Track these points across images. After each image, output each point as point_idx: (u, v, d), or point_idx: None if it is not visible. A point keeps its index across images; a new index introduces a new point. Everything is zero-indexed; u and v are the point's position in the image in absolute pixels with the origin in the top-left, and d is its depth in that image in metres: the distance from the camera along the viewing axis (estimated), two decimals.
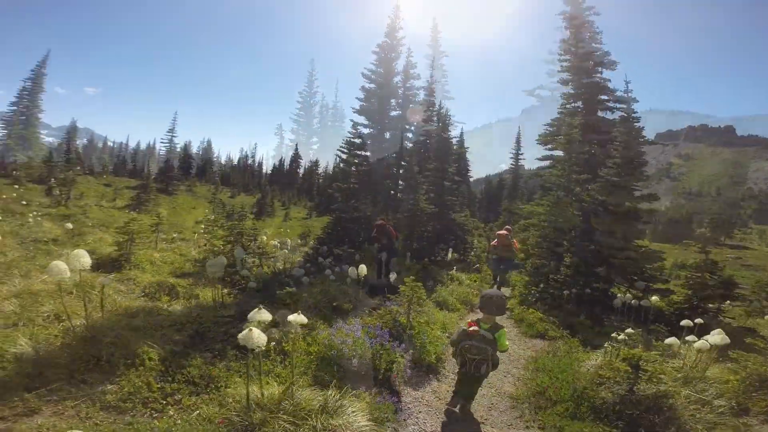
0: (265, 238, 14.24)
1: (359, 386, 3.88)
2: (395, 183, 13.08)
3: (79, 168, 34.30)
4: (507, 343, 4.00)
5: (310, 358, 4.46)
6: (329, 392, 3.29)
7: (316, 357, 4.41)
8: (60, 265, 3.55)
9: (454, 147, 23.49)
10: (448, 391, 4.74)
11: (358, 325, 4.84)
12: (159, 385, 3.45)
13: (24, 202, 15.30)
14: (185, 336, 4.53)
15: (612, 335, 5.33)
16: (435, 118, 23.21)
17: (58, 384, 3.21)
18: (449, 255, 13.13)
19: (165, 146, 40.97)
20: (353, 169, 12.67)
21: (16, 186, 20.79)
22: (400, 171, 13.43)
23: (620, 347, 4.83)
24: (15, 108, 27.81)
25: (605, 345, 5.15)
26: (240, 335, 2.64)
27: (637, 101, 11.27)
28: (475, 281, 11.27)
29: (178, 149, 43.88)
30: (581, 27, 13.25)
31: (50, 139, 46.74)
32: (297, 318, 3.38)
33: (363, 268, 7.11)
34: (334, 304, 6.37)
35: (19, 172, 24.36)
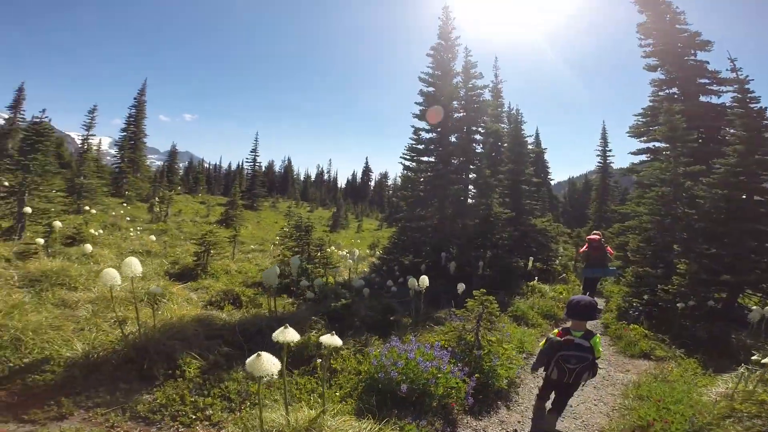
0: (332, 248, 14.35)
1: (407, 416, 3.27)
2: (464, 188, 12.18)
3: (180, 187, 39.16)
4: (601, 349, 3.69)
5: (359, 379, 3.97)
6: (364, 424, 2.74)
7: (366, 377, 3.90)
8: (111, 272, 3.57)
9: (529, 147, 21.75)
10: (520, 422, 3.96)
11: (415, 343, 4.22)
12: (193, 399, 3.25)
13: (129, 219, 17.55)
14: (233, 347, 4.38)
15: (753, 357, 4.09)
16: (505, 118, 21.68)
17: (98, 390, 3.17)
18: (530, 264, 11.77)
19: (249, 165, 44.65)
20: (419, 176, 12.16)
21: (125, 204, 24.20)
22: (470, 175, 12.49)
23: (766, 372, 3.79)
24: (125, 134, 32.44)
25: (740, 369, 4.16)
26: (248, 361, 2.24)
27: (751, 80, 9.10)
28: (560, 293, 9.82)
29: (263, 167, 47.78)
30: (659, 7, 11.59)
31: (159, 163, 53.96)
32: (330, 340, 2.91)
33: (425, 280, 6.47)
34: (392, 317, 5.84)
35: (129, 192, 28.41)
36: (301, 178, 65.72)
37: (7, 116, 28.47)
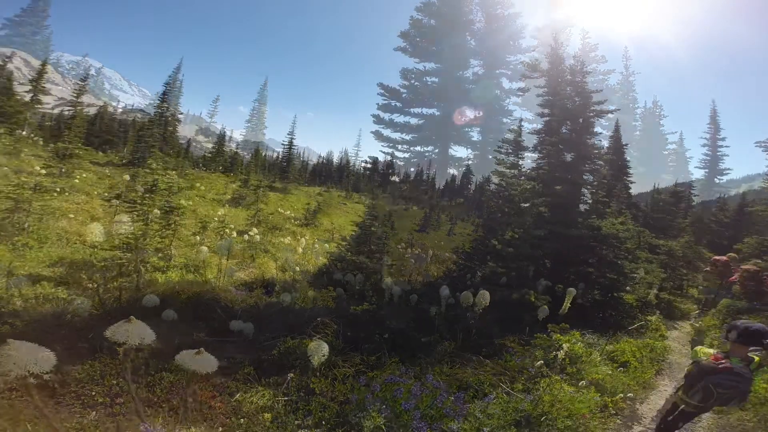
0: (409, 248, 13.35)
1: None
2: (575, 190, 9.74)
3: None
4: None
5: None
6: None
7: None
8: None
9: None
10: None
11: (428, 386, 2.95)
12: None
13: None
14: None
15: None
16: (638, 116, 17.59)
17: None
18: (650, 294, 8.95)
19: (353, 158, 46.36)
20: (518, 174, 10.31)
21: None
22: (585, 176, 10.05)
23: None
24: (248, 125, 36.43)
25: None
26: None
27: None
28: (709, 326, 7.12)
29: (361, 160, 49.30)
30: None
31: (240, 151, 59.17)
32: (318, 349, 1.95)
33: (484, 296, 5.01)
34: (424, 339, 4.60)
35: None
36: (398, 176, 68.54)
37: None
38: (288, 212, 26.41)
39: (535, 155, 10.53)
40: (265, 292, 7.43)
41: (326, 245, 15.14)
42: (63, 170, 18.55)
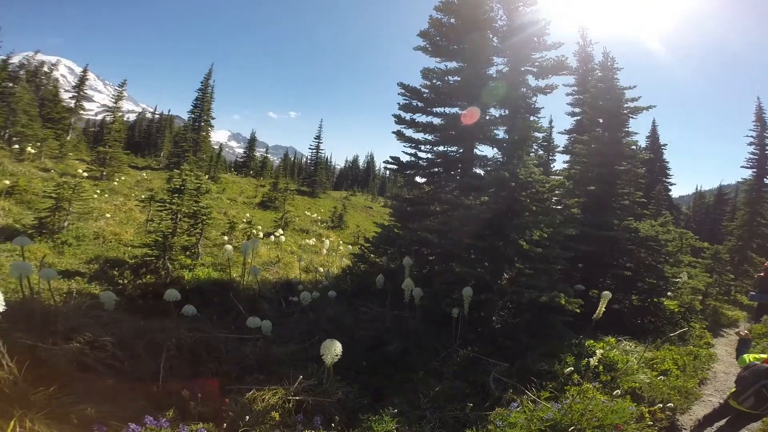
0: None
1: None
2: (611, 192, 9.15)
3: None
4: None
5: None
6: None
7: None
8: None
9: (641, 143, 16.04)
10: None
11: None
12: None
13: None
14: None
15: None
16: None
17: None
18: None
19: (312, 153, 44.86)
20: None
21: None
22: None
23: None
24: (193, 116, 36.03)
25: None
26: None
27: None
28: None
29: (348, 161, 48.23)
30: None
31: (271, 156, 59.54)
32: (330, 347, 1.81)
33: (467, 292, 4.76)
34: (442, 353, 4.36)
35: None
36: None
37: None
38: (314, 215, 26.73)
39: (567, 157, 10.07)
40: (288, 292, 7.44)
41: (350, 247, 15.15)
42: (104, 173, 19.61)
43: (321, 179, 40.26)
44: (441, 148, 8.70)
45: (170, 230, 8.17)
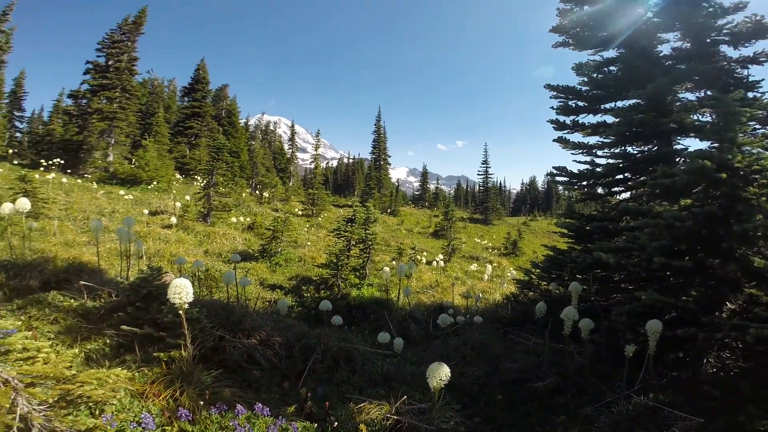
0: None
1: None
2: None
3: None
4: None
5: None
6: None
7: None
8: None
9: None
10: None
11: None
12: None
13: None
14: None
15: None
16: None
17: None
18: None
19: (481, 178, 40.90)
20: None
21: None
22: None
23: None
24: (373, 156, 37.46)
25: None
26: None
27: None
28: None
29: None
30: None
31: (444, 187, 59.31)
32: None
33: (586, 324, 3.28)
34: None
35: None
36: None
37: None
38: (486, 242, 25.88)
39: None
40: (438, 315, 7.29)
41: (513, 272, 13.85)
42: (314, 211, 24.53)
43: (494, 205, 39.01)
44: (623, 149, 7.09)
45: (343, 253, 9.37)
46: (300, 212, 23.57)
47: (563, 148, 7.84)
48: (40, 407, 2.22)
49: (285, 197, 27.40)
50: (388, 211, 32.24)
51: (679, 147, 6.60)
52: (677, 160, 6.77)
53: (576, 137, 7.59)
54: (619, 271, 5.76)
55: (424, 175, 46.87)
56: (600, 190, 8.32)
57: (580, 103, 7.21)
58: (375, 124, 36.90)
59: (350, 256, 9.79)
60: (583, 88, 7.07)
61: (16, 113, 32.53)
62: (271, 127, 48.33)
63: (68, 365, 2.41)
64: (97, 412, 2.47)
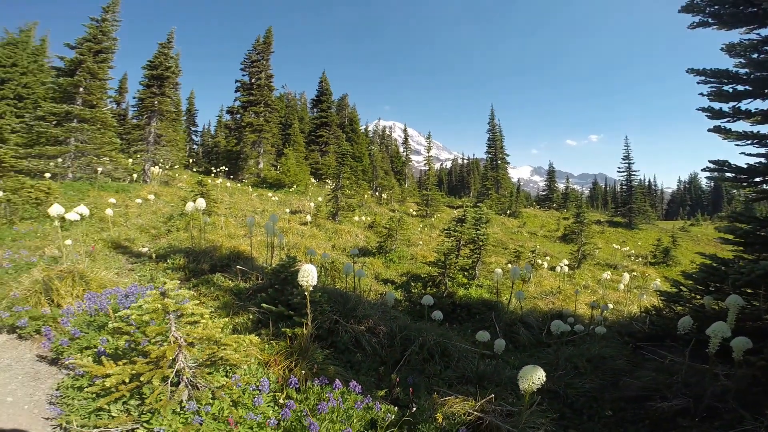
0: None
1: None
2: None
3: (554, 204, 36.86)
4: None
5: None
6: None
7: None
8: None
9: None
10: None
11: None
12: None
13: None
14: None
15: None
16: None
17: None
18: None
19: (623, 176, 32.89)
20: None
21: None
22: None
23: None
24: (489, 155, 33.91)
25: None
26: None
27: None
28: None
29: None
30: None
31: (577, 186, 51.55)
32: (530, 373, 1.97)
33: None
34: None
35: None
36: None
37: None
38: (627, 248, 22.34)
39: None
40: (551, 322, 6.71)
41: (657, 283, 11.63)
42: (427, 212, 24.97)
43: (640, 206, 33.22)
44: None
45: (452, 252, 9.39)
46: (414, 213, 24.26)
47: (724, 138, 6.36)
48: (192, 364, 2.96)
49: (401, 198, 28.53)
50: (508, 212, 30.52)
51: None
52: None
53: (740, 126, 6.08)
54: None
55: (551, 174, 42.76)
56: None
57: (740, 88, 5.78)
58: (489, 123, 35.56)
59: (459, 255, 9.73)
60: (741, 71, 5.66)
61: (192, 128, 41.49)
62: (387, 132, 50.69)
63: (219, 330, 3.12)
64: (229, 374, 3.13)
